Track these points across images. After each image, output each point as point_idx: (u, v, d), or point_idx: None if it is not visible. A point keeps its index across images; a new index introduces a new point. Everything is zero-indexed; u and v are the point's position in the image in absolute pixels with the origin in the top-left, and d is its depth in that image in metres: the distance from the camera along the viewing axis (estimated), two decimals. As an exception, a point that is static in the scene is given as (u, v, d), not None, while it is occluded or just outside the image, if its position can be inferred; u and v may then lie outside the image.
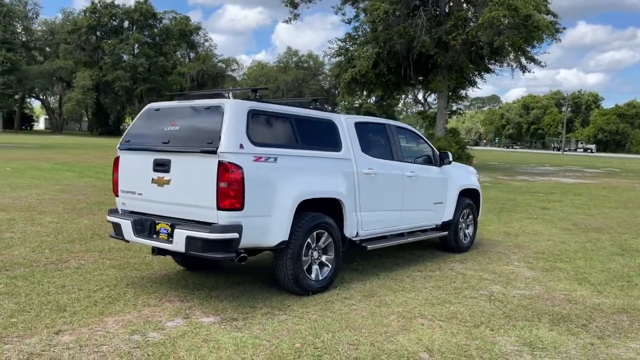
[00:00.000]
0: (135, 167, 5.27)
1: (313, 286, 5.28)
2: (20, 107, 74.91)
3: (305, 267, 5.23)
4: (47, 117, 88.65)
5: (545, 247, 8.51)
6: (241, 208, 4.60)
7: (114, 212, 5.50)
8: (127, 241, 5.28)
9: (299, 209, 5.11)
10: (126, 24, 68.20)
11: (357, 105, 78.47)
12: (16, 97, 66.56)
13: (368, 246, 6.07)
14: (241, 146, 4.66)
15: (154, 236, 5.01)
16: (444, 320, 4.74)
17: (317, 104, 6.12)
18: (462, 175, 7.89)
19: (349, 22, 31.30)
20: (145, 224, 5.08)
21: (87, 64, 66.84)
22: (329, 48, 36.64)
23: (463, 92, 33.95)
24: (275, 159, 4.94)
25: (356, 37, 31.94)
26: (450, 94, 32.60)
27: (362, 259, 7.06)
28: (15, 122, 72.27)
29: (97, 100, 69.36)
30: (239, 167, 4.57)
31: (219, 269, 6.27)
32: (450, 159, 7.33)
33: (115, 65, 64.19)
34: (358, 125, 6.16)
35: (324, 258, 5.48)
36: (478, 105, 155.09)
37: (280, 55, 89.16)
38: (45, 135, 62.80)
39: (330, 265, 5.51)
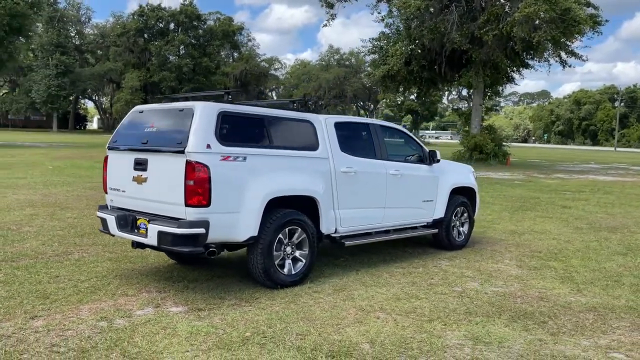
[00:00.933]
0: (120, 165, 5.65)
1: (284, 280, 5.52)
2: (74, 108, 78.32)
3: (276, 262, 5.48)
4: (99, 117, 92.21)
5: (546, 245, 8.44)
6: (208, 205, 4.89)
7: (103, 208, 5.91)
8: (113, 235, 5.66)
9: (270, 206, 5.37)
10: (172, 26, 70.14)
11: (399, 102, 77.93)
12: (70, 98, 69.53)
13: (346, 242, 6.25)
14: (208, 146, 4.94)
15: (135, 231, 5.37)
16: (401, 314, 4.89)
17: (295, 105, 6.33)
18: (455, 174, 7.95)
19: (382, 20, 31.25)
20: (128, 220, 5.45)
21: (136, 65, 69.18)
22: (362, 47, 36.57)
23: (500, 89, 33.29)
24: (245, 158, 5.20)
25: (390, 35, 31.88)
26: (486, 90, 32.09)
27: (351, 255, 7.25)
28: (69, 122, 75.62)
29: (145, 100, 71.71)
30: (205, 166, 4.86)
31: (208, 263, 6.58)
32: (439, 157, 7.41)
33: (162, 66, 66.19)
34: (338, 125, 6.35)
35: (297, 253, 5.71)
36: (527, 101, 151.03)
37: (322, 54, 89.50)
38: (97, 134, 65.48)
39: (304, 261, 5.73)
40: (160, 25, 69.20)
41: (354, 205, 6.35)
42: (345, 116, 7.19)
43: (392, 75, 31.02)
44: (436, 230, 7.64)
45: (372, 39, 32.71)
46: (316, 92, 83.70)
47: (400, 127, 7.62)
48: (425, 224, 7.52)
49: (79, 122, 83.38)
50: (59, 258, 6.57)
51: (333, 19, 32.77)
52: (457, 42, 26.66)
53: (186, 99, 5.87)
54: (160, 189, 5.15)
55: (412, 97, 69.03)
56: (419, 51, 29.96)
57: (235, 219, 5.12)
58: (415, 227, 7.42)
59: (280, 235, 5.48)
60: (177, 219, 4.95)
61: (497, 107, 35.08)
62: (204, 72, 67.25)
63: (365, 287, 5.72)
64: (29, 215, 9.32)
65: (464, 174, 8.22)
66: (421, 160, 7.44)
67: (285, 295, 5.31)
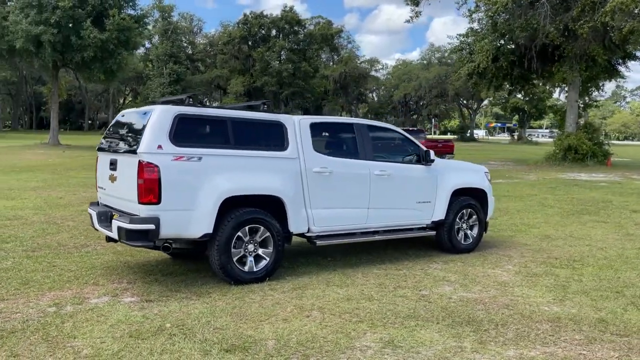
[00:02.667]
0: (103, 165, 6.16)
1: (243, 277, 5.69)
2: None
3: (235, 259, 5.66)
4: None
5: (572, 252, 7.83)
6: (158, 202, 5.21)
7: (93, 204, 6.46)
8: (97, 230, 6.17)
9: (230, 205, 5.58)
10: (274, 32, 72.64)
11: (504, 100, 74.44)
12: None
13: (317, 242, 6.29)
14: (160, 147, 5.26)
15: (110, 226, 5.83)
16: (335, 314, 4.87)
17: (266, 106, 6.46)
18: (459, 174, 7.63)
19: (470, 15, 30.12)
20: (107, 215, 5.93)
21: (240, 71, 72.54)
22: (449, 43, 35.51)
23: (601, 83, 30.69)
24: (200, 159, 5.45)
25: (478, 30, 30.66)
26: (588, 85, 29.81)
27: (342, 254, 7.24)
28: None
29: (249, 104, 75.07)
30: (155, 166, 5.18)
31: (200, 259, 6.89)
32: (432, 157, 7.15)
33: (264, 72, 68.77)
34: (314, 125, 6.40)
35: (260, 251, 5.85)
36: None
37: (423, 52, 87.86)
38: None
39: (267, 259, 5.86)
40: (263, 32, 71.93)
41: (330, 205, 6.36)
42: (324, 117, 7.18)
43: (480, 73, 29.82)
44: (434, 233, 7.39)
45: (459, 35, 31.70)
46: (416, 92, 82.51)
47: (393, 127, 7.46)
48: (425, 225, 7.30)
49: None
50: (74, 250, 7.24)
51: (417, 16, 32.17)
52: (550, 36, 25.00)
53: (167, 103, 6.23)
54: (124, 187, 5.55)
55: (519, 95, 65.65)
56: (508, 47, 28.53)
57: (189, 216, 5.38)
58: (412, 229, 7.23)
59: (239, 233, 5.66)
60: (134, 215, 5.32)
61: (597, 104, 32.14)
62: (303, 76, 68.85)
63: (326, 287, 5.73)
64: (78, 212, 10.30)
65: (472, 175, 7.86)
66: (418, 160, 7.23)
67: (239, 291, 5.48)
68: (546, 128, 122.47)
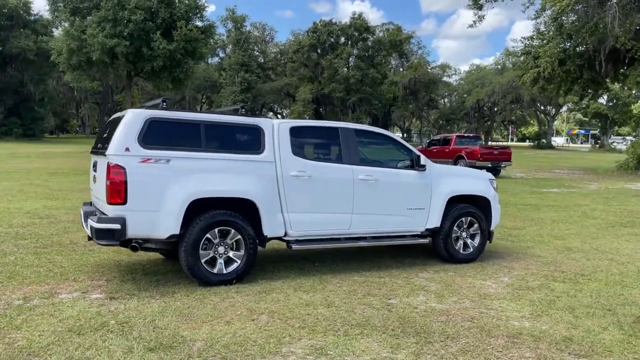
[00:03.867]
0: (90, 166, 6.45)
1: (211, 278, 5.74)
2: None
3: (204, 260, 5.73)
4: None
5: (585, 266, 7.30)
6: (124, 203, 5.38)
7: (86, 204, 6.78)
8: (84, 228, 6.46)
9: (198, 207, 5.67)
10: (342, 39, 72.99)
11: (584, 106, 70.48)
12: (251, 112, 76.60)
13: (293, 246, 6.24)
14: (127, 149, 5.44)
15: None
16: (281, 319, 4.81)
17: (243, 110, 6.50)
18: (456, 181, 7.30)
19: (536, 18, 28.83)
20: (91, 214, 6.20)
21: (309, 79, 73.48)
22: (513, 47, 34.06)
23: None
24: (168, 161, 5.58)
25: (545, 32, 29.28)
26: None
27: (332, 260, 7.14)
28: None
29: (317, 111, 75.81)
30: (121, 168, 5.36)
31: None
32: (422, 162, 6.90)
33: (331, 79, 69.22)
34: (294, 129, 6.37)
35: (231, 254, 5.89)
36: None
37: (497, 57, 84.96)
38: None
39: (238, 262, 5.89)
40: (331, 39, 72.47)
41: (309, 210, 6.30)
42: (306, 121, 7.11)
43: (547, 78, 28.44)
44: (427, 240, 7.13)
45: (524, 38, 30.41)
46: (489, 98, 79.95)
47: (385, 132, 7.26)
48: (419, 233, 7.06)
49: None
50: (81, 248, 7.60)
51: (481, 20, 31.19)
52: (620, 41, 23.45)
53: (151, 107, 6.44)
54: (101, 187, 5.78)
55: (602, 100, 62.02)
56: (575, 49, 27.03)
57: (155, 217, 5.52)
58: (405, 236, 7.01)
59: (208, 235, 5.73)
60: (104, 215, 5.53)
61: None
62: (371, 82, 68.61)
63: (293, 292, 5.67)
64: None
65: (472, 182, 7.50)
66: (412, 166, 7.01)
67: (203, 292, 5.53)
68: (635, 135, 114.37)
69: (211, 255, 5.80)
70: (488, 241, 7.63)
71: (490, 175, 7.78)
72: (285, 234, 6.23)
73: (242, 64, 70.77)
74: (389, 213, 6.79)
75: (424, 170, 6.97)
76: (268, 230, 6.07)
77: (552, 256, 7.88)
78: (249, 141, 6.12)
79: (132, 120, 5.58)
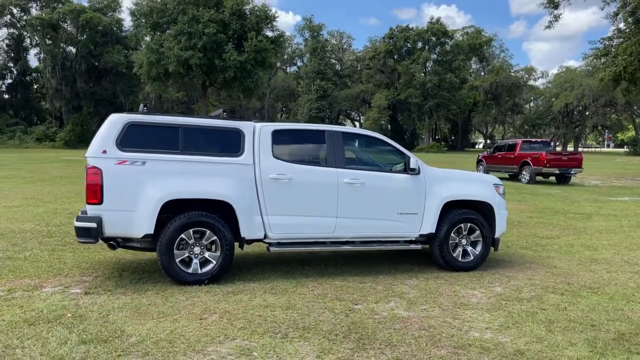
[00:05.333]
0: None
1: (185, 278, 5.87)
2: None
3: (179, 260, 5.88)
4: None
5: (598, 279, 6.77)
6: (100, 203, 5.66)
7: None
8: None
9: (174, 208, 5.85)
10: (419, 44, 72.00)
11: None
12: (327, 119, 77.15)
13: (271, 249, 6.25)
14: (104, 152, 5.71)
15: None
16: (229, 320, 4.84)
17: (225, 114, 6.59)
18: (453, 185, 6.96)
19: (615, 15, 26.88)
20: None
21: (385, 85, 73.12)
22: (591, 49, 31.90)
23: None
24: (144, 163, 5.79)
25: (626, 29, 27.24)
26: None
27: (325, 264, 7.07)
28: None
29: (393, 117, 75.22)
30: (98, 169, 5.65)
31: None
32: (413, 166, 6.64)
33: (408, 84, 68.49)
34: (276, 132, 6.39)
35: (207, 254, 6.00)
36: None
37: (587, 58, 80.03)
38: (349, 151, 71.21)
39: (214, 262, 5.99)
40: (408, 45, 71.72)
41: (290, 212, 6.28)
42: (291, 124, 7.03)
43: (630, 78, 26.40)
44: (419, 247, 6.87)
45: (603, 38, 28.44)
46: (579, 101, 75.48)
47: (376, 135, 7.04)
48: (414, 239, 6.82)
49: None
50: (94, 247, 7.99)
51: (557, 20, 29.64)
52: None
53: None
54: (86, 189, 6.11)
55: None
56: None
57: (131, 217, 5.74)
58: (397, 242, 6.81)
59: (183, 235, 5.88)
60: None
61: None
62: (448, 87, 67.05)
63: (261, 294, 5.68)
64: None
65: (472, 186, 7.12)
66: (405, 169, 6.79)
67: (173, 291, 5.67)
68: None
69: (186, 255, 5.94)
70: (493, 249, 7.22)
71: (495, 180, 7.37)
72: (265, 237, 6.25)
73: (318, 72, 71.76)
74: (378, 217, 6.62)
75: (416, 173, 6.73)
76: (246, 232, 6.12)
77: (568, 267, 7.32)
78: (229, 144, 6.21)
79: (111, 124, 5.86)
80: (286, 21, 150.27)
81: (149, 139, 5.99)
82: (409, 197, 6.72)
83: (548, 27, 29.86)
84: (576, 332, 4.77)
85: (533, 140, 26.69)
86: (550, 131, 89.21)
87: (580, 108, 79.84)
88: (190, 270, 5.93)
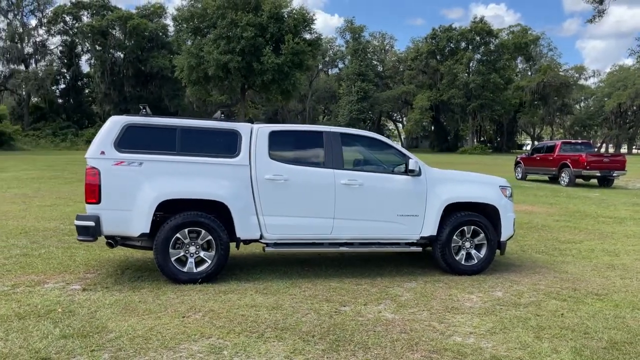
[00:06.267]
0: None
1: (179, 277, 5.97)
2: (377, 129, 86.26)
3: (174, 259, 5.99)
4: (404, 136, 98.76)
5: (609, 285, 6.53)
6: (98, 202, 5.83)
7: None
8: None
9: (170, 208, 5.97)
10: (463, 44, 70.74)
11: None
12: (368, 121, 76.88)
13: (266, 249, 6.28)
14: (102, 153, 5.88)
15: None
16: (211, 319, 4.90)
17: (223, 115, 6.65)
18: (455, 187, 6.81)
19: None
20: None
21: (428, 86, 72.23)
22: (638, 45, 30.61)
23: None
24: (141, 164, 5.94)
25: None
26: None
27: (327, 265, 7.05)
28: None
29: (436, 118, 74.18)
30: (96, 170, 5.83)
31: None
32: (412, 167, 6.52)
33: (450, 85, 67.42)
34: (274, 134, 6.43)
35: (202, 254, 6.08)
36: None
37: (634, 54, 76.65)
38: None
39: (209, 262, 6.07)
40: (451, 45, 70.59)
41: (285, 213, 6.30)
42: (288, 125, 7.00)
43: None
44: (420, 249, 6.75)
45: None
46: (632, 101, 72.32)
47: (376, 136, 6.95)
48: (415, 241, 6.72)
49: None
50: (104, 245, 8.27)
51: (601, 15, 28.65)
52: None
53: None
54: (89, 188, 6.30)
55: None
56: None
57: (127, 216, 5.89)
58: (397, 243, 6.72)
59: (178, 235, 5.99)
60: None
61: None
62: (492, 87, 65.51)
63: (251, 294, 5.72)
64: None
65: (476, 188, 6.94)
66: (405, 171, 6.68)
67: (166, 289, 5.77)
68: None
69: (182, 254, 6.04)
70: (500, 253, 7.03)
71: (501, 182, 7.16)
72: (261, 237, 6.29)
73: (359, 74, 71.63)
74: (376, 219, 6.55)
75: (416, 175, 6.62)
76: (241, 232, 6.18)
77: (580, 273, 7.04)
78: (225, 145, 6.28)
79: (110, 126, 6.03)
80: (332, 23, 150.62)
81: (146, 141, 6.13)
82: (409, 199, 6.62)
83: (590, 21, 28.86)
84: (565, 340, 4.59)
85: (573, 141, 25.80)
86: (602, 132, 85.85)
87: (635, 108, 76.50)
88: (185, 269, 6.03)
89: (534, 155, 24.27)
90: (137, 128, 6.10)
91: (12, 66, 63.19)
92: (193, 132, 6.27)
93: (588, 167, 20.88)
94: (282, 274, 6.58)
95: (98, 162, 5.87)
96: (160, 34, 62.56)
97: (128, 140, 6.00)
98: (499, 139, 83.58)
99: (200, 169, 6.11)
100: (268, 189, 6.23)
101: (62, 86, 68.25)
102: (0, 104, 67.76)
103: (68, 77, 67.51)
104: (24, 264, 6.86)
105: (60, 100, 68.25)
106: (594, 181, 22.42)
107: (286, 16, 37.48)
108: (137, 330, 4.52)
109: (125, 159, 5.92)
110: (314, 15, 39.50)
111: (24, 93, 62.71)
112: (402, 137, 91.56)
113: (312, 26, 39.19)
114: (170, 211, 6.08)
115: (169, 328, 4.61)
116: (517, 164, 25.66)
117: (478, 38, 69.93)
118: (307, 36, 38.93)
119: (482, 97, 65.51)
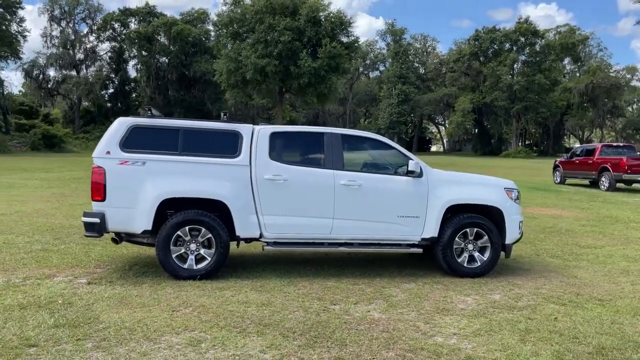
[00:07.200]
0: None
1: (180, 273, 6.15)
2: (419, 131, 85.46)
3: (175, 255, 6.18)
4: (447, 139, 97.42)
5: (616, 290, 6.38)
6: (103, 200, 6.09)
7: None
8: None
9: (172, 206, 6.18)
10: (507, 45, 69.19)
11: None
12: (408, 123, 76.18)
13: (264, 247, 6.40)
14: (108, 152, 6.14)
15: None
16: (200, 313, 5.05)
17: (226, 116, 6.80)
18: (457, 189, 6.75)
19: None
20: None
21: (470, 88, 71.03)
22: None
23: None
24: (144, 163, 6.16)
25: None
26: None
27: (329, 265, 7.11)
28: (413, 144, 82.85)
29: (479, 121, 72.86)
30: (102, 169, 6.09)
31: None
32: (411, 168, 6.49)
33: (494, 87, 66.08)
34: (274, 134, 6.54)
35: (202, 251, 6.25)
36: None
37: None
38: (433, 155, 69.54)
39: (209, 259, 6.23)
40: (495, 46, 69.17)
41: (285, 213, 6.40)
42: (291, 126, 7.07)
43: None
44: (420, 250, 6.72)
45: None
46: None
47: (378, 137, 6.94)
48: (416, 242, 6.70)
49: (423, 144, 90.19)
50: (125, 243, 8.58)
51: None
52: None
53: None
54: (97, 186, 6.57)
55: None
56: None
57: (131, 213, 6.13)
58: (399, 245, 6.72)
59: (179, 233, 6.18)
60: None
61: None
62: (537, 89, 63.73)
63: (246, 291, 5.83)
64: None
65: (479, 190, 6.85)
66: (407, 172, 6.67)
67: (166, 284, 5.96)
68: None
69: (183, 251, 6.23)
70: (505, 256, 6.91)
71: (507, 184, 7.03)
72: (261, 236, 6.41)
73: (399, 76, 71.21)
74: (376, 220, 6.56)
75: (417, 176, 6.59)
76: (241, 231, 6.31)
77: (590, 278, 6.85)
78: (226, 146, 6.43)
79: (117, 127, 6.29)
80: (377, 26, 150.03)
81: (151, 141, 6.35)
82: (410, 200, 6.61)
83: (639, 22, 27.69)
84: (550, 344, 4.50)
85: (615, 144, 24.86)
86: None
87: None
88: (185, 266, 6.21)
89: (573, 159, 23.54)
90: (142, 129, 6.33)
91: (64, 72, 66.02)
92: (195, 133, 6.46)
93: (629, 171, 20.10)
94: (282, 273, 6.67)
95: (104, 162, 6.12)
96: (203, 39, 63.98)
97: (133, 141, 6.24)
98: (545, 143, 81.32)
99: (201, 169, 6.29)
100: (267, 189, 6.35)
101: (111, 90, 70.77)
102: (54, 108, 71.06)
103: (116, 82, 69.93)
104: (41, 258, 7.20)
105: (108, 104, 70.71)
106: (638, 186, 21.57)
107: (323, 20, 37.73)
108: (126, 322, 4.71)
109: (129, 158, 6.15)
110: (351, 18, 39.67)
111: (75, 97, 65.27)
112: (445, 140, 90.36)
113: (349, 29, 39.34)
114: (175, 210, 6.28)
115: (157, 321, 4.78)
116: (555, 167, 24.95)
117: (523, 39, 68.24)
118: (344, 39, 39.02)
119: (527, 99, 63.86)
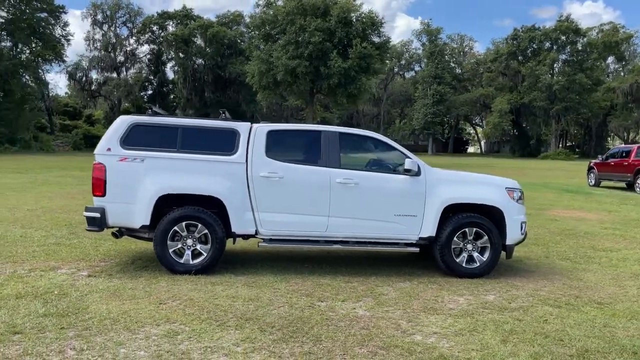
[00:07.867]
0: None
1: (176, 268, 6.28)
2: (455, 132, 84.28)
3: (172, 250, 6.31)
4: (484, 140, 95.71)
5: (618, 294, 6.19)
6: (103, 195, 6.28)
7: None
8: None
9: (170, 202, 6.32)
10: (547, 45, 67.50)
11: None
12: (444, 124, 75.20)
13: (259, 244, 6.46)
14: (109, 149, 6.33)
15: None
16: (186, 307, 5.14)
17: (224, 115, 6.89)
18: (455, 188, 6.66)
19: None
20: None
21: (508, 88, 69.60)
22: None
23: None
24: (143, 160, 6.32)
25: None
26: None
27: (328, 263, 7.12)
28: (449, 145, 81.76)
29: (517, 122, 71.32)
30: (102, 165, 6.28)
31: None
32: (407, 167, 6.43)
33: (532, 87, 64.54)
34: (272, 133, 6.60)
35: (199, 247, 6.36)
36: None
37: None
38: (469, 157, 68.26)
39: (205, 254, 6.34)
40: (534, 45, 67.58)
41: (280, 210, 6.45)
42: (288, 124, 7.08)
43: None
44: (417, 250, 6.66)
45: None
46: None
47: (376, 136, 6.90)
48: (414, 241, 6.64)
49: (460, 145, 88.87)
50: (129, 237, 8.79)
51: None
52: None
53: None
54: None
55: None
56: None
57: (130, 209, 6.29)
58: (396, 243, 6.67)
59: (176, 228, 6.31)
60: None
61: None
62: (578, 89, 61.85)
63: (238, 286, 5.90)
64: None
65: (479, 189, 6.74)
66: (405, 170, 6.62)
67: (162, 278, 6.09)
68: None
69: (179, 246, 6.35)
70: (506, 257, 6.78)
71: (509, 183, 6.88)
72: (257, 233, 6.48)
73: (434, 77, 70.37)
74: (372, 218, 6.54)
75: (414, 175, 6.53)
76: (237, 227, 6.40)
77: (596, 281, 6.65)
78: (224, 143, 6.53)
79: (118, 124, 6.47)
80: (415, 26, 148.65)
81: (150, 139, 6.51)
82: (407, 199, 6.56)
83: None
84: (531, 345, 4.41)
85: (629, 145, 23.90)
86: None
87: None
88: (182, 261, 6.34)
89: (609, 161, 22.79)
90: (142, 127, 6.49)
91: (105, 74, 67.97)
92: (194, 130, 6.58)
93: (666, 174, 19.34)
94: (278, 270, 6.72)
95: (104, 158, 6.31)
96: (238, 40, 64.75)
97: (133, 138, 6.41)
98: (587, 144, 78.88)
99: (198, 166, 6.40)
100: (263, 186, 6.41)
101: (150, 92, 72.39)
102: (96, 110, 73.31)
103: (155, 84, 71.48)
104: (51, 251, 7.46)
105: (147, 105, 72.32)
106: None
107: (354, 20, 37.67)
108: (112, 313, 4.85)
109: (129, 155, 6.32)
110: (382, 18, 39.40)
111: (115, 99, 67.11)
112: (482, 141, 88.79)
113: (380, 29, 39.14)
114: (177, 206, 6.41)
115: (141, 313, 4.90)
116: (590, 169, 24.21)
117: (563, 37, 66.47)
118: (376, 39, 38.83)
119: (567, 99, 62.09)
